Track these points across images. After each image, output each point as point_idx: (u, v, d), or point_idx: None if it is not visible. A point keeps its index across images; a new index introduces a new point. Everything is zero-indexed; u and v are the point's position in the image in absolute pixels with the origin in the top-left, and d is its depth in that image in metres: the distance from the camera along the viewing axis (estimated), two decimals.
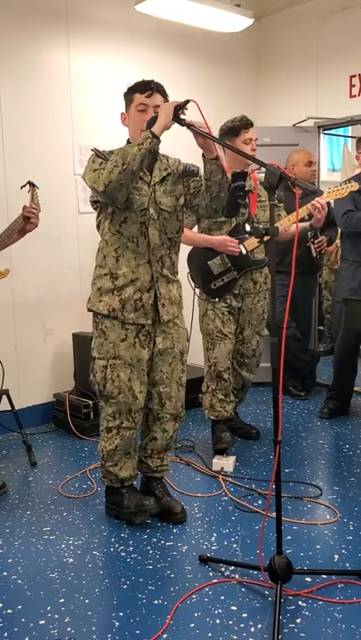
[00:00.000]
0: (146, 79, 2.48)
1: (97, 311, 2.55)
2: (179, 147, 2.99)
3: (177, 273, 2.66)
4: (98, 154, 2.45)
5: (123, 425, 2.59)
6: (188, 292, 3.35)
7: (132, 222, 2.46)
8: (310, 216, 3.38)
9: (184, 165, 2.58)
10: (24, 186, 3.14)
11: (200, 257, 3.29)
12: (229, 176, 2.63)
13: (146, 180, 2.48)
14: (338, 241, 4.60)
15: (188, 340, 2.75)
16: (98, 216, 2.58)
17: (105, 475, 2.70)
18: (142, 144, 2.28)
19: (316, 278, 4.68)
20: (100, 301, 2.53)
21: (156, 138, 2.29)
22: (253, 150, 3.22)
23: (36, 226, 3.11)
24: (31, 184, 3.14)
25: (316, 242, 3.88)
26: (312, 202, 3.28)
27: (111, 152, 2.50)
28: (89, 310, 2.60)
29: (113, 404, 2.57)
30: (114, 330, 2.52)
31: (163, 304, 2.55)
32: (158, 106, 2.42)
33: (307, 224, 3.45)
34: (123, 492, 2.68)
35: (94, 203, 2.55)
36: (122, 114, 2.56)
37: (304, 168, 4.20)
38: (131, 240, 2.47)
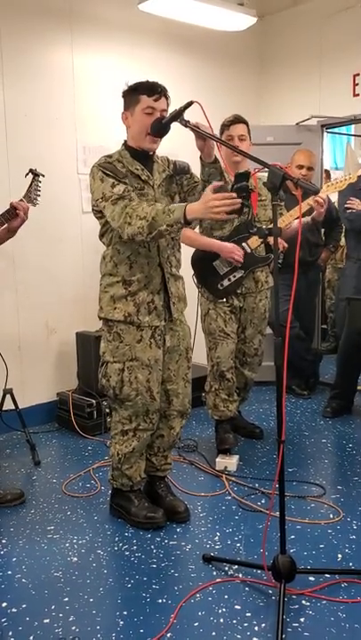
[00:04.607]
0: (150, 80, 2.46)
1: (112, 319, 2.52)
2: (181, 148, 2.99)
3: (180, 268, 2.67)
4: (105, 172, 2.41)
5: (140, 427, 2.58)
6: (191, 291, 3.35)
7: None
8: (311, 211, 3.40)
9: (174, 163, 2.57)
10: (27, 174, 2.92)
11: (204, 259, 3.29)
12: (232, 177, 2.62)
13: (150, 183, 2.49)
14: (343, 240, 4.61)
15: (191, 337, 2.76)
16: (103, 226, 2.54)
17: (116, 478, 2.69)
18: (172, 226, 2.24)
19: (320, 277, 4.68)
20: (115, 308, 2.52)
21: (187, 224, 2.27)
22: None
23: (23, 221, 2.79)
24: (34, 173, 2.91)
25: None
26: (314, 197, 3.29)
27: (110, 157, 2.48)
28: (102, 319, 2.59)
29: (129, 406, 2.56)
30: (129, 332, 2.51)
31: (173, 302, 2.56)
32: (164, 110, 2.42)
33: (308, 218, 3.47)
34: (131, 498, 2.68)
35: (98, 212, 2.50)
36: (123, 113, 2.52)
37: (294, 169, 4.18)
38: (142, 245, 2.46)
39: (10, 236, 2.85)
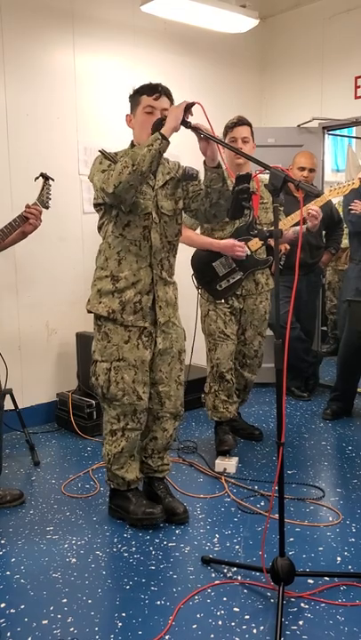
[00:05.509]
0: (153, 82, 2.47)
1: (96, 312, 2.55)
2: (184, 151, 3.00)
3: (173, 275, 2.67)
4: (105, 155, 2.44)
5: (128, 427, 2.59)
6: (191, 292, 3.36)
7: (136, 226, 2.46)
8: (304, 221, 3.38)
9: (183, 169, 2.58)
10: (37, 178, 2.98)
11: (204, 259, 3.30)
12: (233, 179, 2.62)
13: (150, 183, 2.49)
14: (345, 241, 4.61)
15: (186, 339, 2.76)
16: (100, 218, 2.57)
17: (111, 478, 2.70)
18: (152, 145, 2.26)
19: (320, 279, 4.68)
20: (100, 303, 2.54)
21: (166, 139, 2.28)
22: None
23: (36, 227, 2.93)
24: (44, 177, 2.95)
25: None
26: (308, 208, 3.26)
27: (117, 154, 2.51)
28: (89, 312, 2.61)
29: (117, 406, 2.57)
30: (117, 332, 2.53)
31: (160, 306, 2.56)
32: (166, 109, 2.42)
33: (303, 227, 3.45)
34: (129, 497, 2.68)
35: (97, 205, 2.54)
36: (127, 115, 2.55)
37: (296, 171, 4.18)
38: (133, 243, 2.47)
39: (22, 238, 2.97)
